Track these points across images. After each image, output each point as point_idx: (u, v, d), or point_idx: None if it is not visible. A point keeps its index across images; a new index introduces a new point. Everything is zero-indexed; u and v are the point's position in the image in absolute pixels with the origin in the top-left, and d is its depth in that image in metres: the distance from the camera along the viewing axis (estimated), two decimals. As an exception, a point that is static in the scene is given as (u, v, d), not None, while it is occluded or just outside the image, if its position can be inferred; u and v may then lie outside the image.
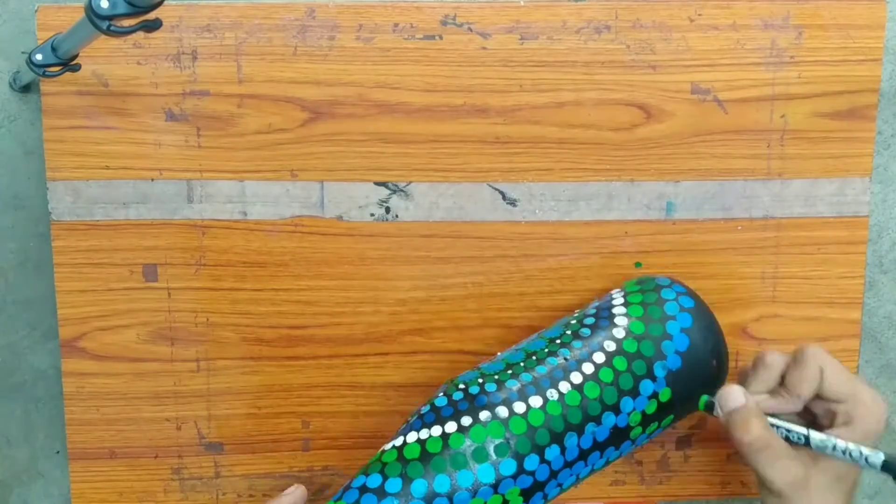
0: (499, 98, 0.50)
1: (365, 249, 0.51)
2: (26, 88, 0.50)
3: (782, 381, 0.46)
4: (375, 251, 0.51)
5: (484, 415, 0.43)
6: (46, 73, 0.43)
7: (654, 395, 0.45)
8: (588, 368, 0.44)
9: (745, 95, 0.51)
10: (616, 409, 0.44)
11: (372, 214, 0.51)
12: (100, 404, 0.51)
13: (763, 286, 0.53)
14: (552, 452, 0.43)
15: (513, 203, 0.51)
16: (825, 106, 0.51)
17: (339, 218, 0.51)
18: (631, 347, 0.45)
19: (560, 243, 0.52)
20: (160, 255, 0.50)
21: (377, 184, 0.51)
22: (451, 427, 0.43)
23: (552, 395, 0.43)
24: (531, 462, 0.42)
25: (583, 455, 0.44)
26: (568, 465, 0.43)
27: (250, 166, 0.50)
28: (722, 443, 0.54)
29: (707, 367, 0.46)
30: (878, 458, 0.41)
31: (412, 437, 0.43)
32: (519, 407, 0.43)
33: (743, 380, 0.47)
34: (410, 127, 0.50)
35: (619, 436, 0.44)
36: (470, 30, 0.50)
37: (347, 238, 0.51)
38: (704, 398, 0.46)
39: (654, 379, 0.44)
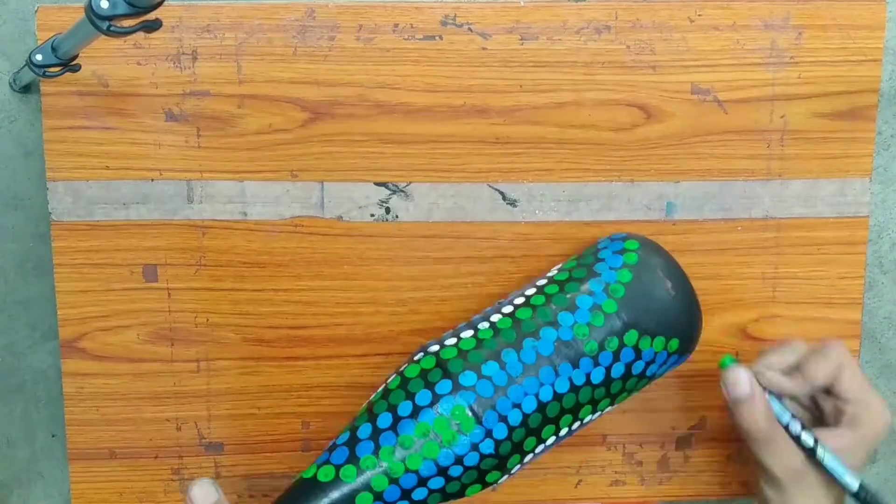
0: (499, 98, 0.50)
1: (365, 250, 0.51)
2: (26, 89, 0.50)
3: (797, 368, 0.46)
4: (375, 251, 0.51)
5: (417, 356, 0.45)
6: (46, 74, 0.43)
7: (596, 307, 0.44)
8: (519, 300, 0.46)
9: (745, 96, 0.51)
10: (554, 324, 0.44)
11: (372, 215, 0.51)
12: (100, 405, 0.51)
13: (763, 286, 0.53)
14: (490, 368, 0.42)
15: (513, 203, 0.51)
16: (825, 106, 0.51)
17: (339, 218, 0.51)
18: (562, 276, 0.46)
19: (560, 243, 0.52)
20: (160, 256, 0.50)
21: (377, 184, 0.51)
22: (392, 376, 0.45)
23: (483, 325, 0.45)
24: (467, 378, 0.42)
25: (528, 370, 0.42)
26: (514, 380, 0.42)
27: (250, 166, 0.50)
28: (722, 443, 0.54)
29: (655, 282, 0.44)
30: (855, 483, 0.43)
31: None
32: (450, 341, 0.44)
33: (762, 357, 0.47)
34: (410, 127, 0.50)
35: (569, 349, 0.43)
36: (470, 30, 0.50)
37: (347, 238, 0.51)
38: (726, 359, 0.46)
39: (590, 293, 0.44)
